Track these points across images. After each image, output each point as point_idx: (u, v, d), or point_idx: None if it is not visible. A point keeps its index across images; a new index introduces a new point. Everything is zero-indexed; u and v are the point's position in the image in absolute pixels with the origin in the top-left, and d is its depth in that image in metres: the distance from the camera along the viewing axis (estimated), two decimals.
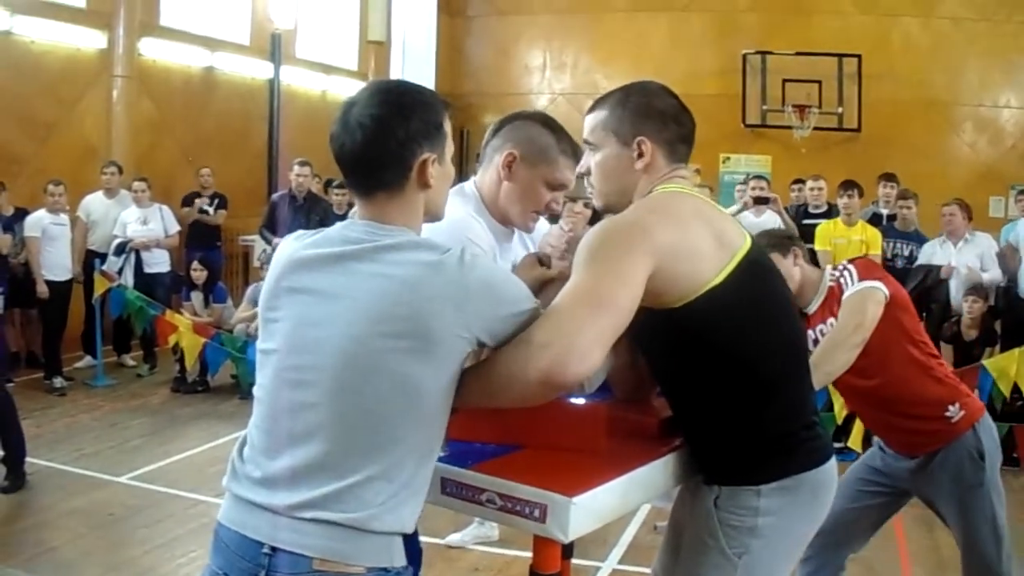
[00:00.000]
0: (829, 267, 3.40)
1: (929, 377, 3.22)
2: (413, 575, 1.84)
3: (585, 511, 1.86)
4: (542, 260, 2.45)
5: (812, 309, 3.33)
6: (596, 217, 2.34)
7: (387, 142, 1.79)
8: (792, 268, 3.28)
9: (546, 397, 1.80)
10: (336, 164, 1.84)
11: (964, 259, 7.47)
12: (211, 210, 9.91)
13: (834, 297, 3.25)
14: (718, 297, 2.00)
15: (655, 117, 2.18)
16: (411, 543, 1.82)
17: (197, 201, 9.85)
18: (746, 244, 2.10)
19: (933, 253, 7.69)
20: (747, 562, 2.09)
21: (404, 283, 1.70)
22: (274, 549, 1.71)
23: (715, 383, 2.09)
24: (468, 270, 1.72)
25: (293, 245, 1.86)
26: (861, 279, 3.16)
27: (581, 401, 2.15)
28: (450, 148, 1.90)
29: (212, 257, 9.11)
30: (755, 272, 2.10)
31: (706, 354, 2.06)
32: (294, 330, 1.78)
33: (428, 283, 1.70)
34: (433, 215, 1.92)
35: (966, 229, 7.64)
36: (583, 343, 1.74)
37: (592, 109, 2.27)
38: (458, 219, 2.31)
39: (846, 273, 3.22)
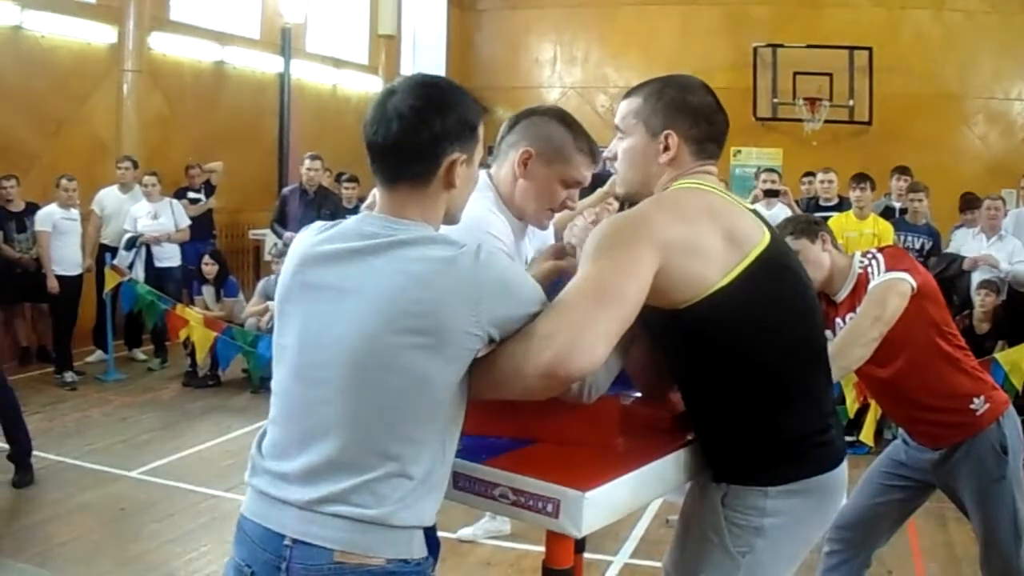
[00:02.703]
0: (858, 253, 3.30)
1: (956, 369, 3.17)
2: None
3: (598, 506, 1.84)
4: (565, 251, 2.42)
5: (841, 297, 3.25)
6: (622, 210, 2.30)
7: (421, 134, 1.77)
8: (821, 254, 3.22)
9: (551, 391, 1.78)
10: (367, 150, 1.82)
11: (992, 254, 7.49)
12: (203, 197, 9.90)
13: (862, 285, 3.16)
14: (725, 300, 1.97)
15: (688, 113, 2.15)
16: (429, 534, 1.81)
17: (190, 195, 9.80)
18: (763, 241, 2.05)
19: (964, 243, 7.64)
20: (750, 561, 2.07)
21: (418, 279, 1.68)
22: (295, 541, 1.71)
23: (726, 384, 2.06)
24: (483, 267, 1.70)
25: (309, 239, 1.85)
26: (888, 269, 3.08)
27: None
28: (479, 154, 1.88)
29: (204, 248, 9.03)
30: (770, 272, 2.05)
31: (716, 356, 2.04)
32: (308, 326, 1.77)
33: (442, 279, 1.68)
34: (451, 217, 1.90)
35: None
36: (588, 336, 1.71)
37: (627, 96, 2.23)
38: (477, 215, 2.27)
39: (874, 262, 3.14)
